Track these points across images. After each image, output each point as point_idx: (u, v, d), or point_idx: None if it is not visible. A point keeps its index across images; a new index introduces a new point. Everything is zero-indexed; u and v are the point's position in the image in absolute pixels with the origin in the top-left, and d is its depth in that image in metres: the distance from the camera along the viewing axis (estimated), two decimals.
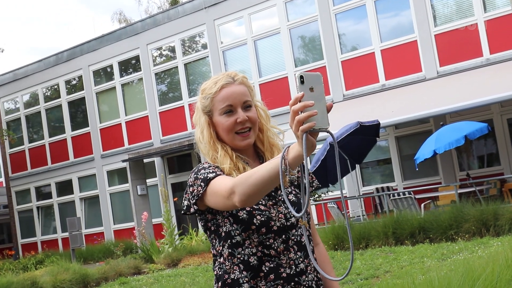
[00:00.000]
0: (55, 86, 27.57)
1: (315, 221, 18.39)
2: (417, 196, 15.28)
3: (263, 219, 2.44)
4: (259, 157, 2.63)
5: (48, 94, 28.12)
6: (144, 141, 24.06)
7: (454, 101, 15.19)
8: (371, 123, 13.95)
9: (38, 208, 28.55)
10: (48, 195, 28.13)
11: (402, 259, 10.74)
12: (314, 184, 2.70)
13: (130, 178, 22.68)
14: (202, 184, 2.39)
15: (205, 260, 15.31)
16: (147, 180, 23.15)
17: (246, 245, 2.44)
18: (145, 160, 23.40)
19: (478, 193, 14.46)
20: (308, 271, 2.50)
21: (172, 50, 23.97)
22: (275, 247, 2.45)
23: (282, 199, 2.52)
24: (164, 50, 24.59)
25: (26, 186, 28.71)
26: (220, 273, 2.50)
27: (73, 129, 26.88)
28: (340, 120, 15.56)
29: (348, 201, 18.51)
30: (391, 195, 15.19)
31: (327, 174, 14.97)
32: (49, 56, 27.44)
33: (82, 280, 14.67)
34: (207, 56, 22.81)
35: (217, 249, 2.53)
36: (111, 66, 25.49)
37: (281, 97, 20.77)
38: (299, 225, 2.52)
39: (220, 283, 2.49)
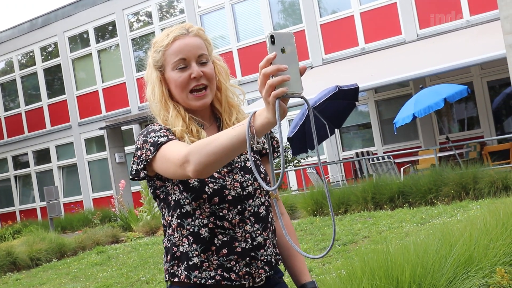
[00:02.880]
0: (30, 53, 27.07)
1: (295, 187, 18.28)
2: (396, 161, 15.17)
3: (216, 187, 2.19)
4: (217, 119, 2.39)
5: (23, 61, 27.62)
6: (121, 108, 23.74)
7: (434, 63, 15.01)
8: (350, 87, 13.74)
9: (15, 177, 28.22)
10: (26, 164, 27.80)
11: (381, 224, 10.63)
12: (278, 149, 2.47)
13: (108, 146, 22.39)
14: (151, 148, 2.14)
15: None
16: (126, 148, 22.85)
17: (196, 215, 2.20)
18: (123, 128, 23.09)
19: (458, 156, 14.37)
20: (267, 245, 2.28)
21: (149, 15, 23.53)
22: (229, 219, 2.21)
23: (239, 166, 2.29)
24: (141, 16, 24.14)
25: (2, 156, 28.32)
26: (169, 245, 2.28)
27: (49, 97, 26.46)
28: (319, 84, 15.36)
29: (328, 166, 18.39)
30: (370, 159, 15.06)
31: (306, 139, 14.79)
32: (23, 23, 26.88)
33: (59, 249, 14.45)
34: (184, 21, 22.38)
35: (166, 219, 2.30)
36: (86, 32, 25.03)
37: (258, 62, 20.52)
38: (257, 195, 2.29)
39: (168, 256, 2.27)
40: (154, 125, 2.28)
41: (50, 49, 26.56)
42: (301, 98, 1.78)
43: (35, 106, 26.95)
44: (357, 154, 17.95)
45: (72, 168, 26.12)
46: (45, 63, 26.47)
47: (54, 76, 26.53)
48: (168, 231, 2.29)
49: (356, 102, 15.20)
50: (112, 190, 22.54)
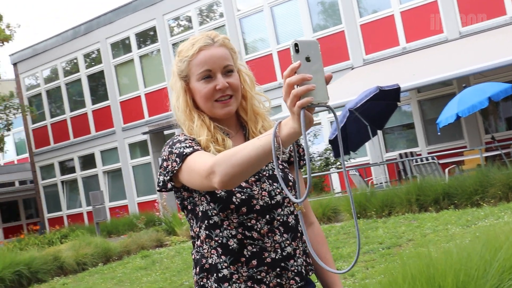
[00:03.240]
0: (74, 60, 27.48)
1: (338, 189, 18.16)
2: (441, 161, 14.94)
3: (243, 197, 2.16)
4: (243, 128, 2.35)
5: (68, 68, 28.05)
6: (164, 112, 23.86)
7: (477, 62, 14.73)
8: (391, 87, 13.58)
9: (62, 182, 28.67)
10: (72, 170, 28.22)
11: (426, 227, 10.47)
12: (305, 157, 2.43)
13: (151, 150, 22.60)
14: (177, 159, 2.11)
15: None
16: None
17: (224, 226, 2.17)
18: (166, 132, 23.26)
19: (504, 156, 14.07)
20: (297, 255, 2.24)
21: (189, 19, 23.67)
22: (258, 229, 2.17)
23: (267, 175, 2.25)
24: (181, 20, 24.30)
25: (50, 161, 28.81)
26: (198, 257, 2.25)
27: (93, 103, 26.82)
28: (360, 85, 15.23)
29: (371, 167, 18.22)
30: (414, 160, 14.86)
31: (348, 141, 14.68)
32: (66, 30, 27.32)
33: (104, 254, 14.64)
34: (224, 25, 22.47)
35: (194, 230, 2.27)
36: (128, 38, 25.29)
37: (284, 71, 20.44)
38: (285, 204, 2.24)
39: (198, 268, 2.25)
40: (179, 135, 2.25)
41: (93, 55, 26.91)
42: (327, 107, 1.73)
43: (79, 112, 27.35)
44: (400, 155, 17.74)
45: (116, 172, 26.41)
46: (88, 70, 26.84)
47: (97, 82, 26.87)
48: (196, 242, 2.27)
49: (398, 103, 15.01)
50: (156, 194, 22.72)
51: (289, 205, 2.25)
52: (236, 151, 1.86)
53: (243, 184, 2.17)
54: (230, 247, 2.17)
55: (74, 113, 27.61)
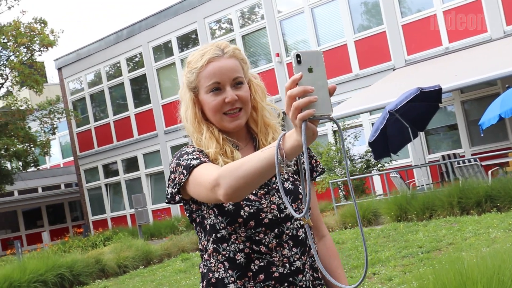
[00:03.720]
0: (117, 64, 27.78)
1: (379, 191, 17.95)
2: (484, 163, 14.65)
3: (252, 210, 2.11)
4: (253, 139, 2.31)
5: (111, 72, 28.38)
6: None
7: None
8: (432, 88, 13.36)
9: (106, 185, 29.01)
10: (116, 172, 28.54)
11: (467, 230, 10.26)
12: (318, 168, 2.37)
13: None
14: (184, 172, 2.08)
15: None
16: None
17: (232, 240, 2.13)
18: None
19: None
20: (306, 270, 2.18)
21: (230, 22, 23.71)
22: (266, 243, 2.12)
23: (277, 187, 2.19)
24: (223, 23, 24.36)
25: (93, 164, 29.19)
26: (205, 271, 2.22)
27: (136, 106, 27.08)
28: (402, 86, 15.03)
29: (414, 169, 17.97)
30: (456, 162, 14.59)
31: (388, 143, 14.50)
32: (109, 35, 27.64)
33: (145, 256, 14.74)
34: (265, 27, 22.45)
35: (202, 243, 2.24)
36: (170, 42, 25.46)
37: (341, 66, 20.31)
38: (295, 218, 2.18)
39: (204, 282, 2.21)
40: (187, 147, 2.23)
41: (135, 59, 27.17)
42: (330, 120, 1.69)
43: (123, 115, 27.65)
44: (443, 156, 17.44)
45: (159, 175, 26.61)
46: (131, 74, 27.11)
47: (140, 86, 27.12)
48: (204, 256, 2.23)
49: (440, 104, 14.76)
50: None
51: (299, 218, 2.19)
52: (240, 164, 1.82)
53: (252, 197, 2.13)
54: (237, 262, 2.13)
55: (117, 116, 27.92)
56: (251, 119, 2.29)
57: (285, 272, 2.13)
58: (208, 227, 2.18)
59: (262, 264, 2.12)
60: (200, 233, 2.24)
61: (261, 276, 2.12)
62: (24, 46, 25.98)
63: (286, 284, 2.13)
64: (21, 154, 28.03)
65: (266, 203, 2.15)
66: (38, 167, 30.50)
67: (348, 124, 18.76)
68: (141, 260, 14.59)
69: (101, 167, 28.90)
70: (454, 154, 17.45)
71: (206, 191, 1.94)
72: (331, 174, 17.84)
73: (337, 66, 20.50)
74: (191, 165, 2.07)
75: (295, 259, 2.15)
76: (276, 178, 2.20)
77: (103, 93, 28.51)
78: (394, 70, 19.09)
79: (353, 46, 20.23)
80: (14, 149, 27.50)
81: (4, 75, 27.62)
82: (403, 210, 12.80)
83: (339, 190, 18.16)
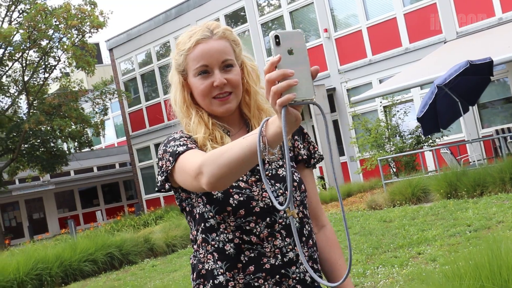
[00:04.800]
0: (167, 44, 27.88)
1: (430, 168, 17.59)
2: None
3: (241, 198, 2.00)
4: (246, 124, 2.18)
5: (161, 52, 28.51)
6: None
7: None
8: (483, 61, 12.93)
9: None
10: None
11: None
12: (316, 155, 2.24)
13: None
14: (170, 158, 1.98)
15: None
16: None
17: (221, 230, 2.03)
18: None
19: None
20: (300, 261, 2.05)
21: None
22: (257, 233, 2.01)
23: (270, 174, 2.07)
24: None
25: (146, 144, 29.48)
26: (195, 262, 2.12)
27: None
28: (452, 59, 14.60)
29: (466, 144, 17.53)
30: (509, 137, 14.14)
31: (438, 119, 14.16)
32: (158, 14, 27.73)
33: None
34: (312, 2, 22.13)
35: (192, 233, 2.14)
36: (218, 20, 25.34)
37: (390, 40, 19.91)
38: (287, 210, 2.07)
39: (194, 274, 2.11)
40: (176, 133, 2.14)
41: None
42: (313, 104, 1.57)
43: None
44: (497, 131, 16.95)
45: None
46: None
47: None
48: (194, 246, 2.14)
49: (491, 77, 14.30)
50: None
51: (293, 206, 2.06)
52: (223, 151, 1.72)
53: (242, 185, 2.02)
54: (227, 252, 2.03)
55: (167, 96, 27.99)
56: (244, 103, 2.17)
57: (276, 263, 2.02)
58: (197, 216, 2.08)
59: (252, 255, 2.01)
60: (190, 223, 2.15)
61: (251, 268, 2.01)
62: (75, 28, 26.27)
63: (277, 276, 2.02)
64: (75, 135, 28.51)
65: (258, 191, 2.03)
66: (92, 148, 30.97)
67: (397, 100, 18.38)
68: (189, 239, 14.67)
69: (153, 146, 29.16)
70: (509, 128, 16.95)
71: (190, 179, 1.84)
72: (380, 151, 17.55)
73: (387, 40, 20.11)
74: (177, 151, 1.97)
75: (288, 250, 2.04)
76: (270, 165, 2.09)
77: (153, 73, 28.69)
78: (445, 43, 18.59)
79: (403, 19, 19.77)
80: (69, 130, 27.98)
81: (56, 57, 28.03)
82: (453, 187, 12.48)
83: (389, 167, 17.87)
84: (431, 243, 8.73)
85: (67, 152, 29.91)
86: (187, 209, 2.13)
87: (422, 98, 18.58)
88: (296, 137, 2.20)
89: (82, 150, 31.28)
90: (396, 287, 6.60)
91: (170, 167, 1.98)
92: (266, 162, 2.09)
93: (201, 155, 1.84)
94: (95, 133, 29.22)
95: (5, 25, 26.51)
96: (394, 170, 17.84)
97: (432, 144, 17.14)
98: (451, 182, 12.58)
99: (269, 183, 2.05)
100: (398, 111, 18.17)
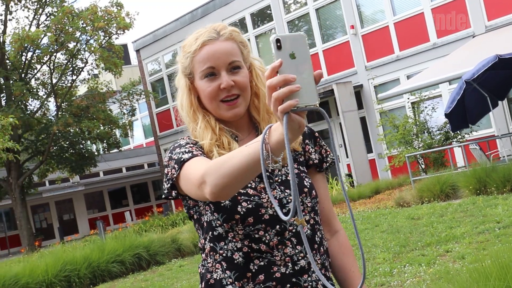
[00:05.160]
0: None
1: (460, 164, 17.34)
2: None
3: (250, 206, 1.92)
4: (256, 129, 2.11)
5: None
6: None
7: None
8: None
9: None
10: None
11: None
12: (328, 159, 2.16)
13: None
14: (175, 166, 1.92)
15: (343, 210, 14.92)
16: None
17: (229, 238, 1.96)
18: None
19: None
20: (312, 269, 1.98)
21: None
22: (267, 241, 1.94)
23: (279, 180, 2.00)
24: None
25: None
26: (203, 271, 2.06)
27: None
28: (481, 54, 14.36)
29: (497, 140, 17.25)
30: None
31: (466, 114, 13.94)
32: (184, 14, 27.77)
33: None
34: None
35: (201, 242, 2.08)
36: (244, 19, 25.33)
37: (418, 35, 19.69)
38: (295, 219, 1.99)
39: (203, 284, 2.05)
40: (182, 138, 2.08)
41: None
42: (317, 110, 1.51)
43: None
44: None
45: None
46: None
47: None
48: (202, 255, 2.09)
49: None
50: None
51: (303, 213, 1.99)
52: (225, 160, 1.66)
53: (251, 192, 1.95)
54: (235, 261, 1.96)
55: None
56: (253, 107, 2.10)
57: (287, 272, 1.95)
58: (205, 224, 2.02)
59: (262, 263, 1.94)
60: (198, 231, 2.09)
61: (261, 277, 1.94)
62: (101, 30, 26.43)
63: (288, 285, 1.94)
64: (104, 136, 28.71)
65: (267, 198, 1.96)
66: (120, 149, 31.14)
67: (425, 96, 18.15)
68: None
69: None
70: None
71: (194, 188, 1.79)
72: (408, 148, 17.36)
73: (414, 35, 19.88)
74: (182, 159, 1.91)
75: (299, 258, 1.96)
76: (279, 171, 2.02)
77: None
78: (473, 37, 18.32)
79: (430, 14, 19.52)
80: (97, 131, 28.18)
81: (84, 59, 28.24)
82: (482, 183, 12.29)
83: (417, 164, 17.66)
84: (459, 240, 8.58)
85: (95, 153, 30.14)
86: (195, 217, 2.07)
87: (450, 93, 18.35)
88: (307, 141, 2.12)
89: (111, 151, 31.48)
90: (422, 286, 6.48)
91: (175, 175, 1.92)
92: (271, 169, 2.00)
93: (206, 163, 1.78)
94: (123, 134, 29.38)
95: (33, 29, 26.77)
96: (423, 166, 17.63)
97: (461, 140, 16.90)
98: (480, 178, 12.38)
99: (279, 189, 1.99)
100: (426, 107, 17.96)
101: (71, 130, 27.52)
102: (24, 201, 27.89)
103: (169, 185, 1.97)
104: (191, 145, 1.98)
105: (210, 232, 1.99)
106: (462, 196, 12.57)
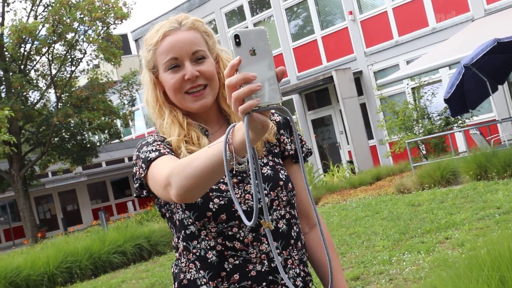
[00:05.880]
0: None
1: (461, 149, 17.30)
2: None
3: (222, 202, 1.86)
4: (227, 121, 2.04)
5: None
6: (286, 77, 23.67)
7: None
8: (511, 38, 12.60)
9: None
10: None
11: None
12: (304, 149, 2.09)
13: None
14: (143, 165, 1.86)
15: (344, 197, 14.91)
16: None
17: (202, 236, 1.89)
18: (283, 98, 23.06)
19: None
20: (289, 265, 1.93)
21: None
22: (241, 238, 1.88)
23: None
24: None
25: None
26: (176, 271, 2.00)
27: None
28: (480, 38, 14.28)
29: (498, 124, 17.19)
30: None
31: (466, 99, 13.89)
32: (182, 3, 27.68)
33: None
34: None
35: (174, 241, 2.02)
36: (242, 6, 25.22)
37: (417, 20, 19.60)
38: (274, 207, 1.92)
39: (176, 284, 1.99)
40: (151, 135, 2.00)
41: (211, 26, 27.11)
42: (279, 109, 1.46)
43: None
44: None
45: None
46: None
47: None
48: (176, 254, 2.02)
49: None
50: None
51: (279, 207, 1.94)
52: (189, 161, 1.60)
53: (223, 187, 1.89)
54: (209, 260, 1.90)
55: None
56: (222, 99, 2.03)
57: (263, 270, 1.89)
58: (177, 223, 1.96)
59: (237, 262, 1.88)
60: (172, 230, 2.03)
61: (236, 276, 1.88)
62: (99, 20, 26.32)
63: (264, 283, 1.89)
64: (104, 127, 28.66)
65: (240, 193, 1.90)
66: (121, 139, 31.10)
67: (424, 81, 18.08)
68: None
69: None
70: None
71: (161, 190, 1.73)
72: (408, 134, 17.31)
73: (413, 20, 19.78)
74: (148, 158, 1.85)
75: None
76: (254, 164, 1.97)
77: None
78: (472, 21, 18.22)
79: None
80: (98, 122, 28.13)
81: (82, 50, 28.15)
82: (483, 168, 12.23)
83: (418, 150, 17.61)
84: (459, 227, 8.55)
85: (97, 144, 30.11)
86: (167, 215, 2.01)
87: (449, 75, 18.28)
88: (282, 131, 2.05)
89: (112, 142, 31.44)
90: (421, 274, 6.46)
91: (143, 175, 1.86)
92: (233, 169, 1.94)
93: (171, 164, 1.71)
94: (124, 124, 29.32)
95: (31, 20, 26.67)
96: (424, 152, 17.58)
97: (461, 125, 16.85)
98: (480, 164, 12.33)
99: (256, 184, 1.93)
100: (425, 92, 17.89)
101: (72, 121, 27.48)
102: (27, 193, 27.91)
103: (137, 184, 1.91)
104: (159, 143, 1.92)
105: (183, 231, 1.94)
106: (463, 182, 12.53)
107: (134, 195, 2.00)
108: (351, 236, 9.81)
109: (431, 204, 10.97)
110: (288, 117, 1.49)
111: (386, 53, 20.63)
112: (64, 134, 28.45)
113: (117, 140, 31.36)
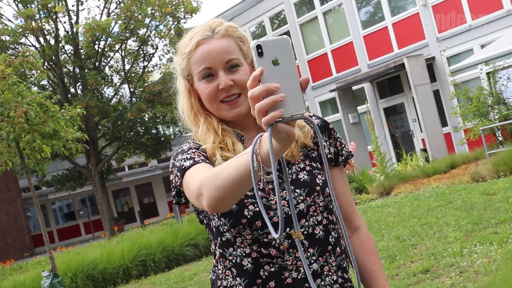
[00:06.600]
0: (262, 24, 27.81)
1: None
2: None
3: (257, 209, 1.83)
4: None
5: (257, 32, 28.47)
6: (351, 67, 23.41)
7: None
8: None
9: None
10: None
11: None
12: (343, 152, 2.05)
13: (340, 107, 22.35)
14: (178, 174, 1.87)
15: (417, 187, 14.62)
16: (358, 108, 22.61)
17: (237, 243, 1.88)
18: (354, 87, 22.83)
19: None
20: (325, 272, 1.88)
21: None
22: (277, 245, 1.85)
23: (290, 179, 1.89)
24: None
25: None
26: (213, 278, 2.00)
27: None
28: None
29: None
30: None
31: None
32: None
33: None
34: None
35: (212, 247, 2.02)
36: None
37: (491, 2, 19.00)
38: (311, 213, 1.88)
39: None
40: (186, 143, 2.01)
41: (279, 17, 27.04)
42: (304, 120, 1.45)
43: None
44: None
45: None
46: (275, 32, 27.02)
47: None
48: (213, 260, 2.02)
49: None
50: None
51: (316, 213, 1.90)
52: (219, 171, 1.59)
53: (259, 193, 1.85)
54: (245, 268, 1.88)
55: None
56: None
57: (299, 277, 1.86)
58: (214, 229, 1.95)
59: (272, 269, 1.86)
60: (210, 235, 2.03)
61: (272, 283, 1.86)
62: (169, 15, 26.65)
63: None
64: (178, 121, 29.02)
65: (275, 199, 1.87)
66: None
67: (499, 65, 17.51)
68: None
69: None
70: None
71: (194, 199, 1.73)
72: (484, 120, 16.80)
73: (486, 3, 19.17)
74: (183, 167, 1.85)
75: (312, 261, 1.87)
76: (290, 169, 1.92)
77: None
78: None
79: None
80: (171, 115, 28.55)
81: (154, 45, 28.59)
82: None
83: (494, 136, 17.09)
84: None
85: (171, 137, 30.57)
86: (205, 221, 2.01)
87: None
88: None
89: (185, 135, 31.84)
90: (492, 267, 6.26)
91: (178, 183, 1.87)
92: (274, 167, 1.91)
93: (204, 173, 1.71)
94: None
95: (104, 17, 27.28)
96: (500, 139, 17.06)
97: None
98: None
99: (286, 188, 1.89)
100: (500, 77, 17.32)
101: (146, 115, 27.99)
102: (104, 187, 28.62)
103: (174, 192, 1.93)
104: (194, 150, 1.92)
105: (219, 238, 1.93)
106: None
107: (174, 201, 2.00)
108: (422, 227, 9.61)
109: (506, 192, 10.62)
110: (314, 130, 1.44)
111: (459, 37, 20.07)
112: (138, 128, 29.01)
113: (190, 133, 31.74)
